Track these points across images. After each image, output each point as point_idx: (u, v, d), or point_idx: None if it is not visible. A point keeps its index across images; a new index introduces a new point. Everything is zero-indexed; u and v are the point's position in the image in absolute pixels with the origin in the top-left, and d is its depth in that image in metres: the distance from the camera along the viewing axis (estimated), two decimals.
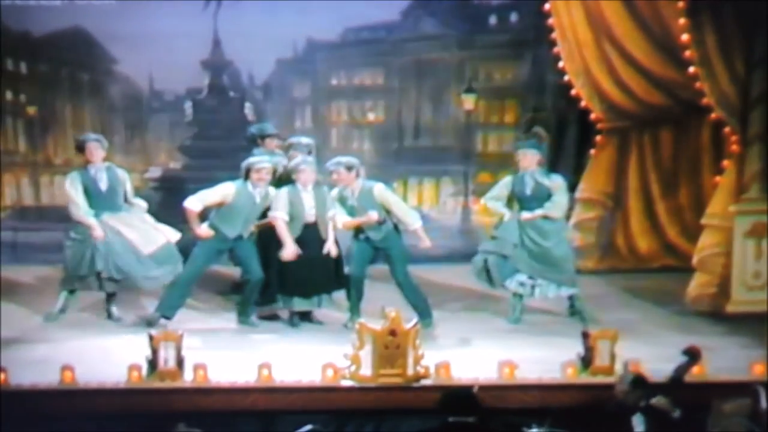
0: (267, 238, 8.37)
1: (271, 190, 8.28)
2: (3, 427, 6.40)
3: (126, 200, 8.41)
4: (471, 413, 5.26)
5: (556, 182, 8.55)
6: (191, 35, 10.75)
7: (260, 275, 8.26)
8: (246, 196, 8.16)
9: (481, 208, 11.55)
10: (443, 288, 9.60)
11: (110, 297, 8.39)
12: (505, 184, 8.62)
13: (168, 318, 8.10)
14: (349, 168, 8.28)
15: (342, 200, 8.33)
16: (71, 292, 8.35)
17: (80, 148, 8.42)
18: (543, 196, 8.45)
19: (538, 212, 8.38)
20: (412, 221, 8.34)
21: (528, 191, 8.47)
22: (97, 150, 8.28)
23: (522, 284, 8.43)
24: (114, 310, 8.41)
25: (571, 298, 8.55)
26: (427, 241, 8.32)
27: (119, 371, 6.87)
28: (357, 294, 8.31)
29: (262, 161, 8.23)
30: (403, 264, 8.34)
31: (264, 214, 8.24)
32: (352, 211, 8.29)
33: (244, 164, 8.24)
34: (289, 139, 8.97)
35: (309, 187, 8.21)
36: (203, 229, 8.14)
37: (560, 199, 8.51)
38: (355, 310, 8.22)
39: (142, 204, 8.49)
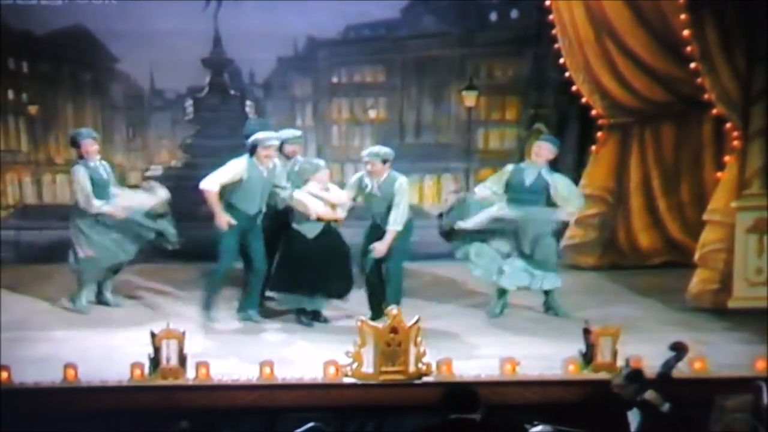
0: (272, 237, 8.39)
1: (277, 161, 8.31)
2: (6, 424, 6.42)
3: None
4: (473, 410, 5.26)
5: (560, 180, 8.56)
6: (192, 34, 10.74)
7: (266, 266, 8.28)
8: (256, 171, 8.18)
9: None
10: (444, 284, 9.60)
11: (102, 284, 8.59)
12: (504, 171, 8.65)
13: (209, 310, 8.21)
14: (385, 161, 8.27)
15: (360, 187, 8.30)
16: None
17: (75, 143, 8.60)
18: (541, 190, 8.46)
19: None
20: (393, 224, 8.19)
21: (527, 182, 8.47)
22: (93, 146, 8.57)
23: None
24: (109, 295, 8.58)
25: (547, 292, 8.57)
26: (381, 247, 8.15)
27: (122, 369, 6.90)
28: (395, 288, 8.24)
29: (270, 138, 8.23)
30: (400, 259, 8.29)
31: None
32: (368, 199, 8.28)
33: (251, 140, 8.22)
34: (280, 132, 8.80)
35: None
36: (225, 218, 8.08)
37: (567, 194, 8.53)
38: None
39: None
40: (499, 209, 8.38)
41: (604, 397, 6.38)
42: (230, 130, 11.13)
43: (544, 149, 8.57)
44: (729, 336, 7.97)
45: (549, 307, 8.62)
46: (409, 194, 8.45)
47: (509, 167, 8.68)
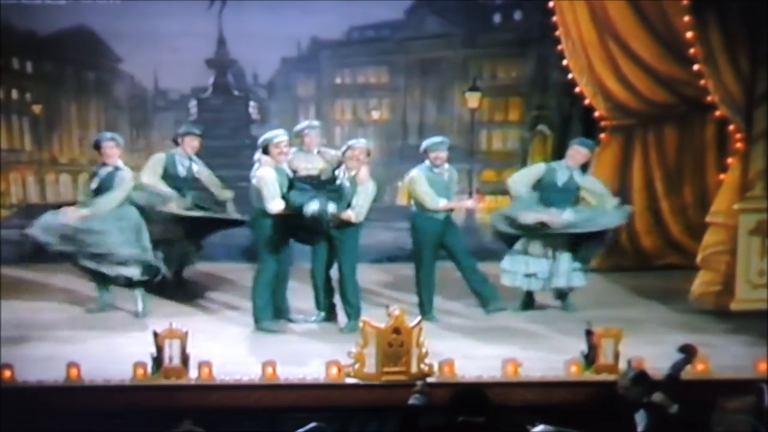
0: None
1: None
2: (9, 423, 6.43)
3: None
4: (481, 413, 5.26)
5: (592, 180, 8.80)
6: (196, 34, 10.76)
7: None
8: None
9: (486, 206, 11.60)
10: (447, 285, 9.60)
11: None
12: (535, 170, 8.75)
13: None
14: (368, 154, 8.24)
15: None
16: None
17: (97, 146, 8.51)
18: (572, 191, 8.58)
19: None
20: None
21: (560, 183, 8.54)
22: (112, 149, 8.42)
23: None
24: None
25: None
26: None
27: (124, 368, 6.90)
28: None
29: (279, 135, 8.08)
30: (352, 258, 8.16)
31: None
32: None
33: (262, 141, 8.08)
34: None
35: None
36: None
37: (601, 191, 8.73)
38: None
39: None
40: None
41: (606, 398, 6.38)
42: (234, 131, 11.16)
43: (580, 154, 8.67)
44: (731, 338, 7.97)
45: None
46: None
47: (542, 167, 8.73)
